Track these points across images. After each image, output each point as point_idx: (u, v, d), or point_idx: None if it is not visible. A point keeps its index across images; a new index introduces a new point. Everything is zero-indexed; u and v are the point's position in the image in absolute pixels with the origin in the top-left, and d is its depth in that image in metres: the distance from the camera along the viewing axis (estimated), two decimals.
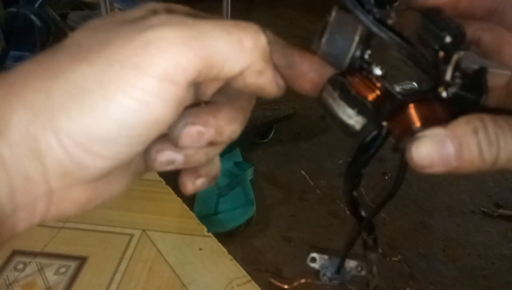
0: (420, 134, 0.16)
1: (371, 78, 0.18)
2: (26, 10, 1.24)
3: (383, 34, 0.18)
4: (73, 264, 0.56)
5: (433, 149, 0.16)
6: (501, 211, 0.87)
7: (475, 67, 0.19)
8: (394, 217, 0.81)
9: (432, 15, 0.19)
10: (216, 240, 0.72)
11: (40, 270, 0.55)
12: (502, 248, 0.80)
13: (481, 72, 0.19)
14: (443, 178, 0.97)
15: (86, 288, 0.57)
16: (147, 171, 0.20)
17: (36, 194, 0.16)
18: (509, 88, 0.20)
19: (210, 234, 0.75)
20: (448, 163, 0.15)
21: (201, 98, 0.19)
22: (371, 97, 0.18)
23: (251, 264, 0.70)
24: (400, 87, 0.18)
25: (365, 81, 0.18)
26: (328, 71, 0.19)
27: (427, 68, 0.18)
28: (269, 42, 0.17)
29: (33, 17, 1.23)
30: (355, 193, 0.22)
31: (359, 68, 0.18)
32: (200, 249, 0.72)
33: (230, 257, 0.71)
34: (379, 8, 0.18)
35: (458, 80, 0.18)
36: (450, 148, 0.15)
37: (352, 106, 0.18)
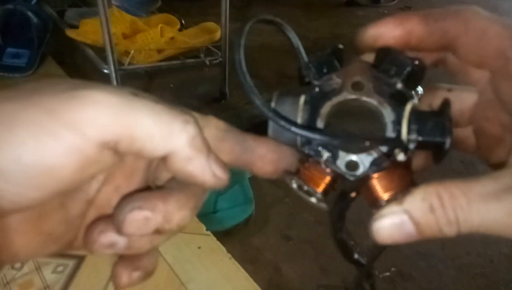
0: (377, 214, 0.17)
1: (320, 163, 0.18)
2: (23, 7, 1.23)
3: (313, 136, 0.18)
4: (70, 263, 0.56)
5: (393, 229, 0.16)
6: None
7: (437, 102, 0.19)
8: None
9: (384, 57, 0.19)
10: (214, 239, 0.72)
11: (38, 268, 0.55)
12: (501, 246, 0.80)
13: (444, 109, 0.18)
14: (441, 175, 0.97)
15: (83, 287, 0.56)
16: (71, 250, 0.19)
17: None
18: (477, 108, 0.21)
19: (208, 232, 0.75)
20: (411, 237, 0.16)
21: (154, 184, 0.19)
22: (320, 188, 0.18)
23: (250, 262, 0.70)
24: (357, 156, 0.18)
25: (315, 169, 0.19)
26: (286, 149, 0.19)
27: (373, 141, 0.18)
28: (224, 130, 0.18)
29: (30, 14, 1.22)
30: (340, 235, 0.22)
31: (308, 155, 0.18)
32: (199, 247, 0.71)
33: (229, 255, 0.71)
34: (320, 76, 0.19)
35: (414, 136, 0.18)
36: (409, 227, 0.16)
37: (310, 197, 0.19)
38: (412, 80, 0.18)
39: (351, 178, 0.18)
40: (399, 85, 0.18)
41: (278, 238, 0.73)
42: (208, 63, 1.13)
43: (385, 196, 0.18)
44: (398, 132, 0.18)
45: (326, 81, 0.20)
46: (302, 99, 0.19)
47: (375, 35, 0.19)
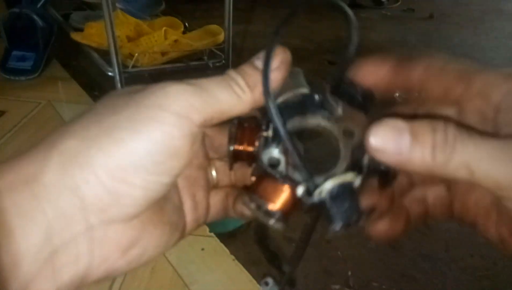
0: (381, 121, 0.17)
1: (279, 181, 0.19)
2: (28, 10, 1.24)
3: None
4: None
5: (390, 134, 0.16)
6: None
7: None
8: None
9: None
10: (218, 240, 0.72)
11: None
12: None
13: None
14: None
15: (88, 287, 0.57)
16: (192, 229, 0.23)
17: (75, 232, 0.16)
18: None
19: (212, 234, 0.75)
20: (400, 152, 0.16)
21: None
22: (278, 205, 0.19)
23: (253, 264, 0.70)
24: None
25: (274, 186, 0.20)
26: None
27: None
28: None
29: (35, 17, 1.23)
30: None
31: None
32: (203, 249, 0.72)
33: (233, 257, 0.71)
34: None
35: (367, 163, 0.19)
36: (405, 139, 0.16)
37: (269, 218, 0.20)
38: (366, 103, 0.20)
39: (310, 202, 0.19)
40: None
41: (281, 240, 0.74)
42: (211, 65, 1.13)
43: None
44: (357, 159, 0.19)
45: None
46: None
47: (365, 71, 0.21)
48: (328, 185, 0.18)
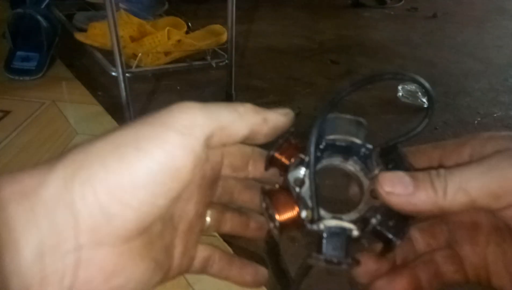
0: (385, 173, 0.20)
1: (295, 199, 0.21)
2: (32, 11, 1.25)
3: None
4: None
5: (396, 180, 0.19)
6: None
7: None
8: None
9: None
10: (221, 240, 0.72)
11: None
12: None
13: (409, 217, 0.21)
14: None
15: None
16: (175, 275, 0.22)
17: (65, 250, 0.16)
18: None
19: (215, 233, 0.76)
20: (408, 192, 0.19)
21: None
22: (281, 217, 0.21)
23: (256, 263, 0.70)
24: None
25: (287, 200, 0.21)
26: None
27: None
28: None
29: (39, 17, 1.24)
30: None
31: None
32: None
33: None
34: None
35: (375, 222, 0.20)
36: (409, 183, 0.19)
37: (270, 221, 0.22)
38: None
39: (309, 228, 0.21)
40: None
41: (284, 240, 0.73)
42: (214, 65, 1.13)
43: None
44: (367, 218, 0.21)
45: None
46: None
47: (367, 275, 0.23)
48: (330, 222, 0.20)
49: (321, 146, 0.22)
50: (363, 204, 0.21)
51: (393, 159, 0.22)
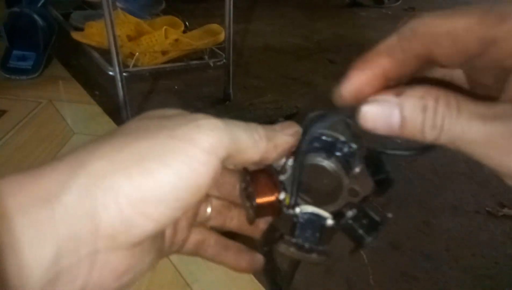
0: (371, 98, 0.17)
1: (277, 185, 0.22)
2: (29, 9, 1.24)
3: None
4: None
5: (380, 115, 0.17)
6: (505, 210, 0.87)
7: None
8: (398, 217, 0.81)
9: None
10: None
11: None
12: (506, 248, 0.80)
13: (384, 220, 0.21)
14: (447, 178, 0.96)
15: None
16: (165, 255, 0.23)
17: (81, 254, 0.16)
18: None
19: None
20: (391, 129, 0.17)
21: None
22: (260, 200, 0.22)
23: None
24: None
25: (269, 183, 0.22)
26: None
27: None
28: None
29: (36, 16, 1.23)
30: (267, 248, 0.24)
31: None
32: None
33: None
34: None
35: (350, 216, 0.21)
36: (395, 118, 0.17)
37: (246, 201, 0.22)
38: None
39: (285, 212, 0.21)
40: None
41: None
42: (212, 64, 1.13)
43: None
44: (342, 211, 0.21)
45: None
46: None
47: (352, 91, 0.19)
48: (306, 208, 0.21)
49: (307, 139, 0.22)
50: (341, 200, 0.21)
51: (375, 164, 0.22)
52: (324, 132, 0.22)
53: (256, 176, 0.22)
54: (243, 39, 1.68)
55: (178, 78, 1.30)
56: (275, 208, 0.21)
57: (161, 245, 0.21)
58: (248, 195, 0.22)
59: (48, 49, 1.27)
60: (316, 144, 0.22)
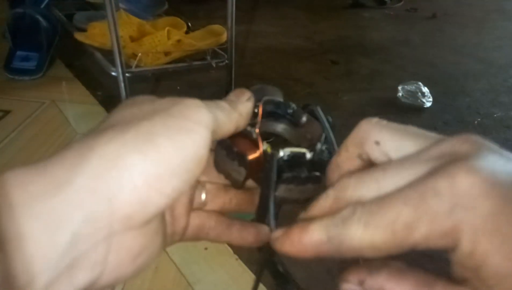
0: (344, 278, 0.19)
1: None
2: (32, 10, 1.25)
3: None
4: None
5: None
6: None
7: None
8: None
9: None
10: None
11: None
12: None
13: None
14: None
15: None
16: (169, 244, 0.24)
17: (98, 238, 0.16)
18: None
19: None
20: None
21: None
22: (251, 156, 0.23)
23: (256, 264, 0.70)
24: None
25: (250, 141, 0.24)
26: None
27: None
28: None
29: (39, 17, 1.24)
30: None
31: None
32: (206, 248, 0.72)
33: (236, 256, 0.71)
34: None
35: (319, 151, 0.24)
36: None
37: (232, 164, 0.23)
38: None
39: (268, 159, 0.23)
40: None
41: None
42: (214, 65, 1.13)
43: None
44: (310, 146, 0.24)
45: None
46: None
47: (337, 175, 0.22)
48: (286, 150, 0.24)
49: (256, 110, 0.25)
50: (302, 146, 0.25)
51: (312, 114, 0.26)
52: (267, 98, 0.26)
53: (235, 140, 0.24)
54: (245, 40, 1.68)
55: (180, 78, 1.30)
56: (261, 164, 0.23)
57: (165, 229, 0.22)
58: (234, 157, 0.23)
59: (51, 50, 1.28)
60: (265, 113, 0.26)
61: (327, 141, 0.25)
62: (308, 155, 0.24)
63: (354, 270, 0.19)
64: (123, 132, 0.18)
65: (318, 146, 0.25)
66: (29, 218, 0.15)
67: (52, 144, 0.95)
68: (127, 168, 0.17)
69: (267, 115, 0.26)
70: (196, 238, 0.26)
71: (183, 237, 0.25)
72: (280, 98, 0.27)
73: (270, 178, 0.23)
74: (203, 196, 0.25)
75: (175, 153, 0.18)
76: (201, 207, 0.26)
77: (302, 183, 0.23)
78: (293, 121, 0.26)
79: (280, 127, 0.27)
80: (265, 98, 0.26)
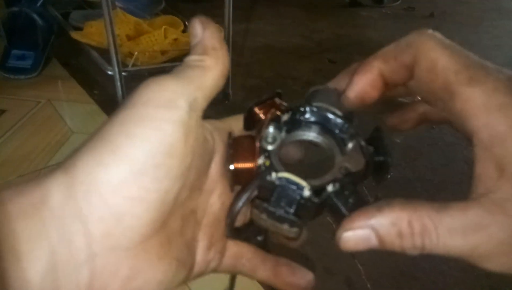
0: (345, 225, 0.18)
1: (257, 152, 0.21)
2: (28, 9, 1.24)
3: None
4: None
5: (358, 241, 0.18)
6: None
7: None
8: None
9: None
10: None
11: None
12: None
13: (378, 134, 0.21)
14: (446, 177, 0.96)
15: None
16: (201, 273, 0.22)
17: (79, 262, 0.16)
18: (425, 112, 0.24)
19: None
20: (373, 246, 0.18)
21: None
22: (236, 164, 0.21)
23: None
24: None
25: (249, 150, 0.21)
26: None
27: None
28: None
29: (35, 16, 1.23)
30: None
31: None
32: None
33: None
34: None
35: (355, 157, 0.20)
36: (373, 241, 0.18)
37: (229, 163, 0.21)
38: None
39: (263, 176, 0.20)
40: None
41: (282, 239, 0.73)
42: None
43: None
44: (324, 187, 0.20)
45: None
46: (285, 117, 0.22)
47: (358, 94, 0.21)
48: (283, 174, 0.20)
49: (303, 110, 0.21)
50: (329, 175, 0.20)
51: (373, 139, 0.21)
52: (320, 105, 0.21)
53: (238, 141, 0.21)
54: (243, 38, 1.68)
55: None
56: (253, 174, 0.20)
57: (182, 254, 0.20)
58: (228, 158, 0.21)
59: (47, 49, 1.27)
60: (312, 118, 0.21)
61: (349, 187, 0.20)
62: (307, 193, 0.20)
63: (359, 213, 0.18)
64: (85, 142, 0.17)
65: (329, 189, 0.20)
66: (16, 236, 0.15)
67: (48, 143, 0.94)
68: (91, 181, 0.16)
69: (314, 120, 0.21)
70: (233, 268, 0.23)
71: (219, 266, 0.23)
72: (336, 106, 0.21)
73: (241, 196, 0.20)
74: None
75: (136, 151, 0.16)
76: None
77: (276, 219, 0.19)
78: (339, 141, 0.21)
79: (319, 139, 0.21)
80: (316, 103, 0.21)
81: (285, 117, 0.21)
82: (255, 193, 0.20)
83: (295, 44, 1.69)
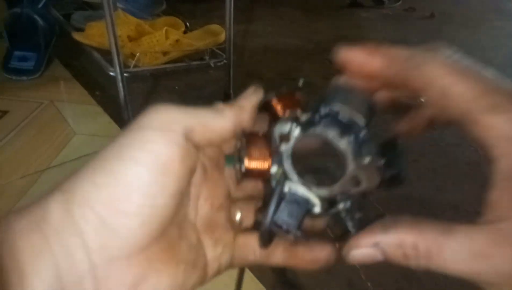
0: (352, 242, 0.18)
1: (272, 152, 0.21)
2: (29, 10, 1.24)
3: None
4: None
5: (365, 257, 0.19)
6: None
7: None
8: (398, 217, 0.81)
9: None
10: None
11: None
12: None
13: (393, 144, 0.20)
14: (447, 177, 0.96)
15: None
16: (213, 275, 0.22)
17: (81, 272, 0.17)
18: (432, 116, 0.24)
19: None
20: (378, 261, 0.18)
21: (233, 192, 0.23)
22: (251, 164, 0.21)
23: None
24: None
25: (264, 151, 0.21)
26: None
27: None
28: None
29: (36, 17, 1.23)
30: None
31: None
32: None
33: None
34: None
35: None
36: (379, 258, 0.18)
37: (239, 164, 0.21)
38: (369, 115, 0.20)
39: (273, 186, 0.20)
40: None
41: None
42: (212, 65, 1.13)
43: None
44: (335, 201, 0.20)
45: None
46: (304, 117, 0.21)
47: (345, 59, 0.21)
48: (297, 188, 0.19)
49: (324, 111, 0.20)
50: (339, 185, 0.19)
51: (389, 157, 0.20)
52: (343, 109, 0.19)
53: (253, 139, 0.20)
54: (244, 39, 1.68)
55: (179, 78, 1.30)
56: (264, 176, 0.20)
57: (190, 256, 0.20)
58: (240, 158, 0.20)
59: (49, 50, 1.27)
60: (332, 119, 0.19)
61: (360, 209, 0.19)
62: (317, 210, 0.19)
63: (366, 232, 0.18)
64: (86, 164, 0.18)
65: (340, 207, 0.19)
66: (19, 253, 0.16)
67: (51, 145, 0.95)
68: (85, 199, 0.17)
69: (334, 121, 0.19)
70: (246, 259, 0.23)
71: (233, 260, 0.23)
72: (367, 115, 0.20)
73: (268, 211, 0.19)
74: (238, 215, 0.24)
75: (127, 171, 0.17)
76: (239, 227, 0.24)
77: (280, 229, 0.19)
78: (356, 149, 0.19)
79: (339, 141, 0.19)
80: (339, 106, 0.20)
81: (303, 118, 0.20)
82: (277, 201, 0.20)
83: (295, 45, 1.70)
